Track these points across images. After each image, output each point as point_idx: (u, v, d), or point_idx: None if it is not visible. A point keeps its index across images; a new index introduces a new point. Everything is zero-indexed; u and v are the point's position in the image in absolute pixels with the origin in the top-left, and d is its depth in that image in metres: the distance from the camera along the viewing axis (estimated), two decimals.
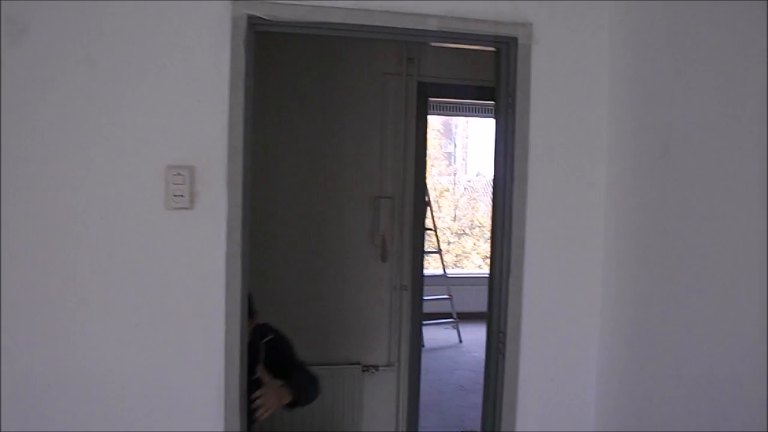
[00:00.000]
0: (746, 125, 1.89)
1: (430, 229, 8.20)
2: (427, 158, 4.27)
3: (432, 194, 11.78)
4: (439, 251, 8.42)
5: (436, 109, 8.93)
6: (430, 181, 11.91)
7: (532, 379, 2.72)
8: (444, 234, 11.86)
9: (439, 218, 10.23)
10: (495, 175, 2.77)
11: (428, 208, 8.24)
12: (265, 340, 2.85)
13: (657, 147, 2.35)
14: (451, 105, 8.76)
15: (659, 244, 2.32)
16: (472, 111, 9.01)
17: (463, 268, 11.36)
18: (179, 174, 2.34)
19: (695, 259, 2.09)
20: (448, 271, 8.71)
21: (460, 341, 8.11)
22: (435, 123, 12.42)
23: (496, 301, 2.73)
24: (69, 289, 2.31)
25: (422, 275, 4.27)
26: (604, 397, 2.69)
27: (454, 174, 12.92)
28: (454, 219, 12.53)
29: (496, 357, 2.75)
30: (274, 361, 2.84)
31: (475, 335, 7.74)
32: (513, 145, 2.64)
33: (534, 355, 2.71)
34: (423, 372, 6.64)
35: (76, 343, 2.33)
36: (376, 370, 4.06)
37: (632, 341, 2.51)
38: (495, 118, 2.80)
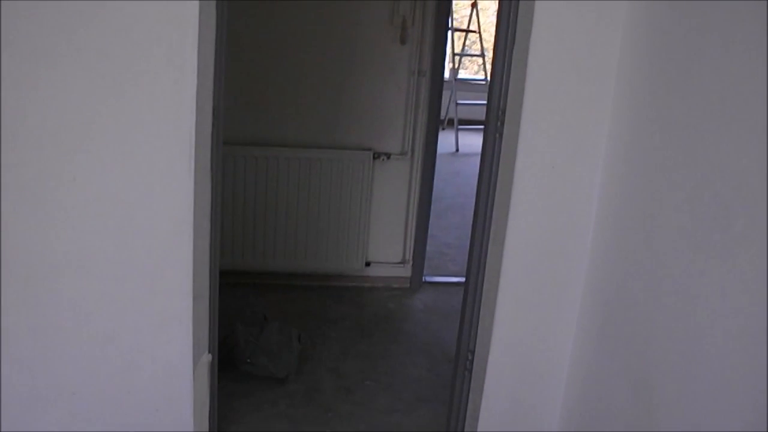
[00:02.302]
0: None
1: (473, 31, 7.83)
2: None
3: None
4: (482, 54, 8.06)
5: None
6: None
7: (530, 167, 2.53)
8: None
9: (491, 23, 9.70)
10: None
11: (474, 8, 7.82)
12: None
13: None
14: None
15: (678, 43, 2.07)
16: None
17: None
18: None
19: (710, 70, 1.86)
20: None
21: None
22: None
23: (498, 73, 2.50)
24: (30, 42, 2.17)
25: (443, 59, 4.01)
26: (606, 191, 2.52)
27: None
28: None
29: (493, 138, 2.58)
30: None
31: None
32: None
33: (534, 139, 2.49)
34: (453, 176, 6.60)
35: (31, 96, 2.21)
36: (388, 158, 3.93)
37: (640, 138, 2.30)
38: None
